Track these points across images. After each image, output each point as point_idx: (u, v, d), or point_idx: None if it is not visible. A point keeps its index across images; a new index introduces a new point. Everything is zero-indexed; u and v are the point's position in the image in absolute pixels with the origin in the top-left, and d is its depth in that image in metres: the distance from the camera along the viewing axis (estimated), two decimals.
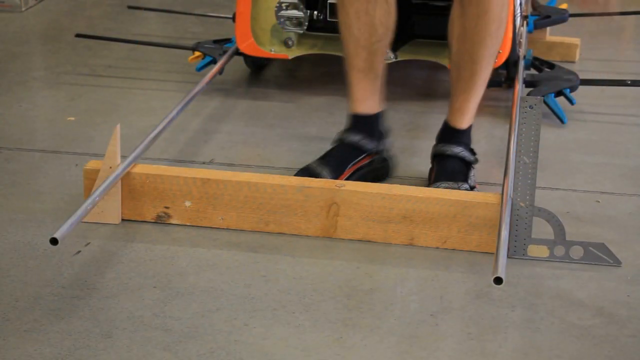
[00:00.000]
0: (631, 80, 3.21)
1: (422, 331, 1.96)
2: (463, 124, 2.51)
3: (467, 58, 2.48)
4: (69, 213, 2.11)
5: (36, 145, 2.82)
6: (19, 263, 2.17)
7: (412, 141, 2.83)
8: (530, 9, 3.57)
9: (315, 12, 3.09)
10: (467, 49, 2.47)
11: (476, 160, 2.55)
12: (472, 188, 2.47)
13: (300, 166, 2.52)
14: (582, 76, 3.20)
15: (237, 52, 3.23)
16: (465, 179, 2.48)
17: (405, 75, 3.36)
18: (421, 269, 2.20)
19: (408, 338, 1.94)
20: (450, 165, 2.50)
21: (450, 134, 2.52)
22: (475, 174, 2.54)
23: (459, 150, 2.50)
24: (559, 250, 2.24)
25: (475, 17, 2.42)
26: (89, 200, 2.17)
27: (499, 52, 2.97)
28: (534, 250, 2.24)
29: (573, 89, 3.14)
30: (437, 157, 2.53)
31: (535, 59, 3.28)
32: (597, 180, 2.69)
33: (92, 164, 2.38)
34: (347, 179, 2.46)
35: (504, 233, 2.08)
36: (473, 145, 2.57)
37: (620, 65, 3.71)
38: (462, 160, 2.50)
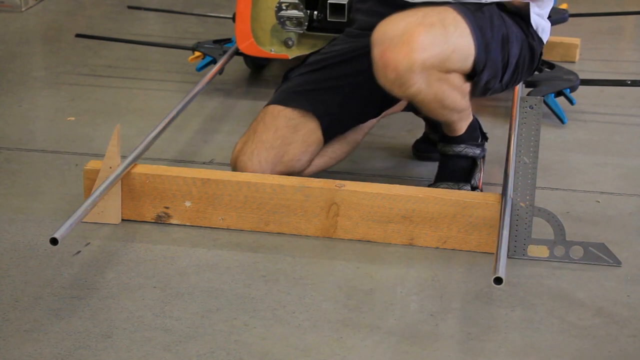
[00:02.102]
0: (631, 80, 3.21)
1: (422, 331, 1.96)
2: (457, 133, 2.49)
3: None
4: (69, 213, 2.11)
5: (36, 145, 2.82)
6: (19, 263, 2.17)
7: (412, 141, 2.83)
8: None
9: (315, 12, 3.09)
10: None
11: (484, 150, 2.53)
12: (474, 188, 2.47)
13: None
14: (582, 76, 3.20)
15: (237, 52, 3.23)
16: (467, 178, 2.48)
17: None
18: (421, 269, 2.20)
19: (408, 338, 1.94)
20: (453, 165, 2.49)
21: (449, 137, 2.51)
22: (484, 165, 2.52)
23: (460, 149, 2.49)
24: (559, 250, 2.24)
25: (416, 105, 2.36)
26: (89, 200, 2.17)
27: None
28: (534, 250, 2.24)
29: (573, 89, 3.14)
30: (441, 156, 2.52)
31: None
32: (597, 180, 2.69)
33: (92, 164, 2.38)
34: None
35: (504, 233, 2.08)
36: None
37: (620, 65, 3.71)
38: (465, 157, 2.50)
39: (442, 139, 2.52)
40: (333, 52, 2.54)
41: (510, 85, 2.52)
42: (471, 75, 2.35)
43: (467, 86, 2.36)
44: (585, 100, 3.23)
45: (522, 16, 2.45)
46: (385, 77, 2.24)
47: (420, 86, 2.24)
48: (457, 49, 2.28)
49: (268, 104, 2.49)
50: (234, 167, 2.44)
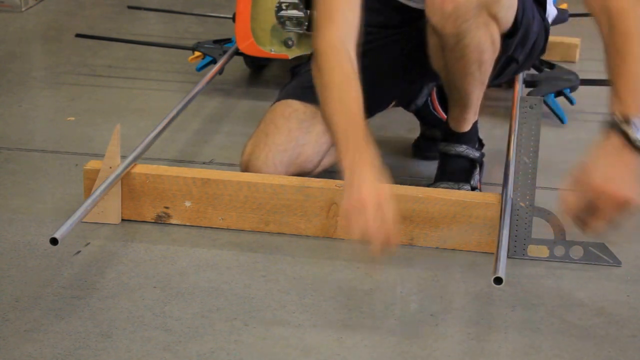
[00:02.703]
0: None
1: (422, 331, 1.96)
2: (464, 128, 2.50)
3: (453, 87, 2.43)
4: (69, 213, 2.11)
5: (36, 145, 2.82)
6: (19, 263, 2.17)
7: (412, 140, 2.83)
8: None
9: (316, 12, 3.09)
10: (452, 80, 2.41)
11: (482, 155, 2.53)
12: (473, 189, 2.47)
13: None
14: (582, 76, 3.20)
15: (237, 52, 3.23)
16: (467, 179, 2.48)
17: None
18: (421, 269, 2.20)
19: (408, 338, 1.94)
20: (453, 165, 2.50)
21: (452, 135, 2.51)
22: (482, 172, 2.53)
23: (462, 149, 2.49)
24: (559, 250, 2.24)
25: (453, 59, 2.34)
26: (89, 200, 2.17)
27: None
28: (534, 250, 2.24)
29: (573, 89, 3.13)
30: (442, 156, 2.53)
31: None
32: None
33: (92, 164, 2.38)
34: None
35: (504, 233, 2.08)
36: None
37: None
38: (466, 158, 2.50)
39: (444, 138, 2.52)
40: None
41: (522, 67, 2.53)
42: (507, 35, 2.37)
43: (498, 50, 2.37)
44: (585, 100, 3.23)
45: (540, 2, 2.51)
46: (442, 10, 2.22)
47: (471, 25, 2.24)
48: None
49: (280, 100, 2.48)
50: (246, 170, 2.43)
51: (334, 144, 2.08)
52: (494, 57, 2.37)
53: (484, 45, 2.32)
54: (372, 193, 1.92)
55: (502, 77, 2.55)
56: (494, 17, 2.30)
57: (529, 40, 2.47)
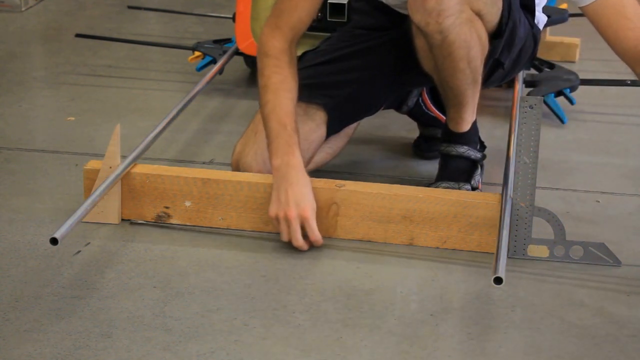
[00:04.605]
0: (631, 80, 3.20)
1: (422, 331, 1.96)
2: (463, 128, 2.49)
3: (446, 86, 2.42)
4: (69, 213, 2.12)
5: (36, 145, 2.82)
6: (19, 263, 2.17)
7: (412, 141, 2.83)
8: None
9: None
10: (444, 80, 2.40)
11: (483, 157, 2.53)
12: (474, 189, 2.47)
13: None
14: (582, 76, 3.20)
15: (237, 52, 3.23)
16: (468, 179, 2.48)
17: None
18: (421, 269, 2.20)
19: (408, 338, 1.94)
20: (454, 165, 2.49)
21: (452, 136, 2.51)
22: (482, 173, 2.53)
23: (463, 150, 2.49)
24: (559, 250, 2.24)
25: (442, 58, 2.33)
26: (89, 200, 2.17)
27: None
28: (534, 250, 2.24)
29: (573, 89, 3.14)
30: (443, 157, 2.52)
31: (535, 59, 3.28)
32: (597, 180, 2.69)
33: (92, 164, 2.38)
34: None
35: (504, 233, 2.08)
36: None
37: (620, 65, 3.69)
38: (467, 159, 2.50)
39: (444, 139, 2.52)
40: (333, 48, 2.55)
41: (510, 73, 2.52)
42: (493, 36, 2.38)
43: (487, 48, 2.37)
44: (585, 100, 3.23)
45: (528, 9, 2.51)
46: (423, 6, 2.22)
47: (454, 21, 2.24)
48: None
49: None
50: (236, 169, 2.43)
51: (268, 143, 2.29)
52: (483, 53, 2.36)
53: (471, 42, 2.31)
54: (296, 208, 2.21)
55: (489, 82, 2.55)
56: (478, 14, 2.30)
57: (515, 45, 2.46)
